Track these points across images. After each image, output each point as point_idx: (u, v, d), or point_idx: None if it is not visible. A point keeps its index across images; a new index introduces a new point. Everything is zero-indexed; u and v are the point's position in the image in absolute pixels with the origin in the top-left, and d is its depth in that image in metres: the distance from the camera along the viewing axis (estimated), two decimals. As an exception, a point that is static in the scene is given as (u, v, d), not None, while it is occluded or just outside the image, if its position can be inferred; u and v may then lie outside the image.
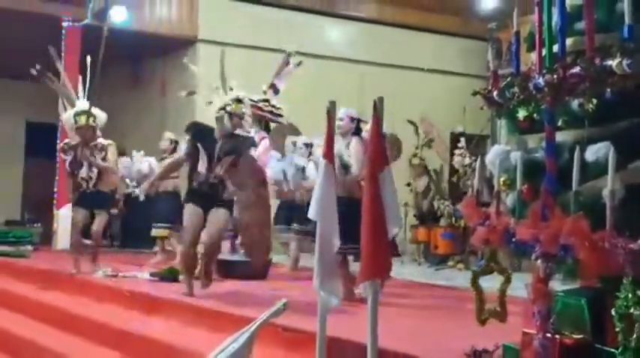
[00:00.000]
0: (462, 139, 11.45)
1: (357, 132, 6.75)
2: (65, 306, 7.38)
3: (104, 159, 8.33)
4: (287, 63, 8.96)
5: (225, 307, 6.09)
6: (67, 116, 8.69)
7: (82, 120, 8.39)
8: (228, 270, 8.29)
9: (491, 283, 4.01)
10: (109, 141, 8.54)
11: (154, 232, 10.17)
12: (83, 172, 8.28)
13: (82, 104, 8.69)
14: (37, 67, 9.47)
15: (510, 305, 3.80)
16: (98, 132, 8.58)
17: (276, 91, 8.75)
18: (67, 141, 8.64)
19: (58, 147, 9.11)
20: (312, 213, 4.08)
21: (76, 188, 8.44)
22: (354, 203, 6.14)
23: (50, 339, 6.62)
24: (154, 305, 6.71)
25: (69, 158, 8.36)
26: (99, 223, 8.51)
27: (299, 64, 9.05)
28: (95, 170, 8.29)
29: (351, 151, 6.66)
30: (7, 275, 9.56)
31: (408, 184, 11.39)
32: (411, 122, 11.73)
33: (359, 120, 6.79)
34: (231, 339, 4.76)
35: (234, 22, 12.65)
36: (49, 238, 12.03)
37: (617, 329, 3.14)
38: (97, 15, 11.88)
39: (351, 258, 6.40)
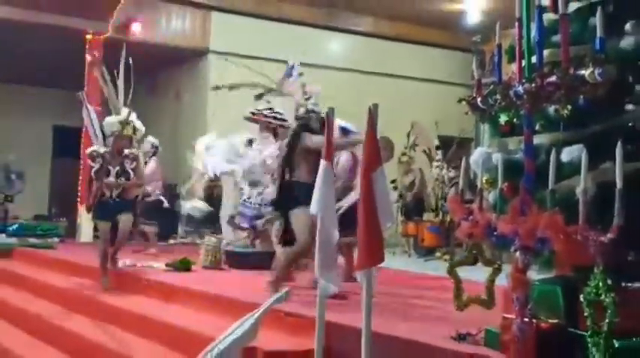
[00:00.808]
0: (439, 152, 11.51)
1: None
2: (89, 293, 7.39)
3: (135, 169, 7.65)
4: (290, 74, 8.94)
5: (233, 294, 6.09)
6: (111, 121, 8.10)
7: (128, 130, 7.90)
8: (237, 261, 8.29)
9: (473, 273, 4.03)
10: (139, 151, 8.09)
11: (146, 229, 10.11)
12: (110, 181, 7.52)
13: (128, 114, 8.18)
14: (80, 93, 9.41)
15: (479, 292, 3.82)
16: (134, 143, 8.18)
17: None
18: (95, 148, 7.93)
19: (86, 152, 8.10)
20: (313, 208, 4.08)
21: (98, 196, 7.58)
22: None
23: (73, 323, 6.63)
24: (171, 293, 6.72)
25: (97, 165, 7.61)
26: (125, 222, 7.67)
27: (301, 74, 9.02)
28: (123, 179, 7.57)
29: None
30: (36, 265, 9.58)
31: (393, 181, 11.35)
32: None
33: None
34: (238, 324, 4.75)
35: (243, 35, 12.64)
36: (73, 231, 12.04)
37: (586, 315, 3.15)
38: (118, 29, 11.90)
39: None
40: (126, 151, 7.67)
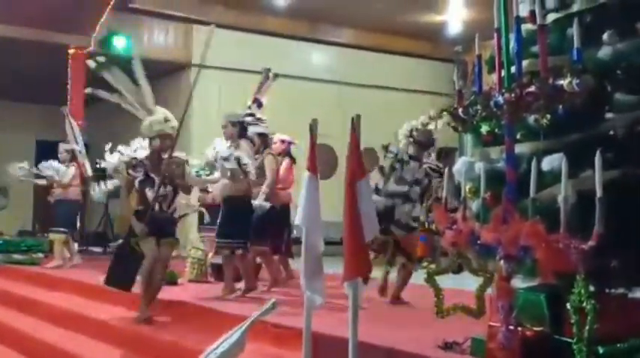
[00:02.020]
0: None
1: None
2: (70, 307, 7.34)
3: (182, 176, 6.40)
4: (267, 78, 8.97)
5: (220, 306, 6.07)
6: (156, 119, 6.63)
7: (171, 124, 6.60)
8: (222, 273, 8.24)
9: (462, 282, 4.05)
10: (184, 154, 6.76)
11: (52, 236, 10.17)
12: (160, 191, 6.22)
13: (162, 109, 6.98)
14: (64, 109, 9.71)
15: (474, 301, 3.83)
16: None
17: (259, 105, 8.75)
18: (130, 153, 6.55)
19: (117, 161, 6.50)
20: (298, 220, 4.10)
21: (144, 211, 6.25)
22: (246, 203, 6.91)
23: (60, 338, 6.58)
24: (158, 306, 6.68)
25: (140, 175, 6.30)
26: (167, 256, 6.38)
27: (275, 77, 9.05)
28: (170, 187, 6.31)
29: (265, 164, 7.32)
30: (20, 280, 9.51)
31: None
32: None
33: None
34: (225, 336, 4.75)
35: (225, 48, 12.65)
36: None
37: (572, 321, 3.17)
38: (100, 43, 11.89)
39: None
40: (164, 155, 6.36)
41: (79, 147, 10.05)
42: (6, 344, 7.18)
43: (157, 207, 6.23)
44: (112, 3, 11.26)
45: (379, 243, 6.11)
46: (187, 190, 6.78)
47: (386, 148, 7.02)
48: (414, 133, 6.81)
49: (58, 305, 7.65)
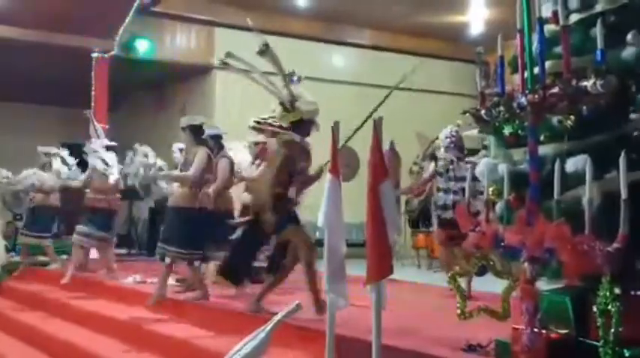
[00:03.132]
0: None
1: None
2: (97, 309, 7.40)
3: None
4: (290, 81, 8.97)
5: (243, 308, 6.09)
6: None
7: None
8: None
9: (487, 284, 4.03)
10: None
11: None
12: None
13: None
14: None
15: (497, 303, 3.82)
16: None
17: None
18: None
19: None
20: (320, 223, 4.09)
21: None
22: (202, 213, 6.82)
23: (87, 340, 6.63)
24: (180, 309, 6.74)
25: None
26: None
27: (299, 79, 9.04)
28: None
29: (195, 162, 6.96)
30: (45, 282, 9.60)
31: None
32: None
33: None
34: (248, 338, 4.76)
35: (247, 50, 12.66)
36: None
37: (598, 324, 3.15)
38: (123, 46, 11.98)
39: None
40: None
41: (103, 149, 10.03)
42: (36, 347, 7.24)
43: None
44: (134, 7, 11.34)
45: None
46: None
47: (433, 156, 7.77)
48: (454, 138, 7.36)
49: (85, 307, 7.71)
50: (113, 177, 8.82)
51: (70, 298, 8.20)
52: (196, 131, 7.16)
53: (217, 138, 7.78)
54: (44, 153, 10.12)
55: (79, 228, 8.90)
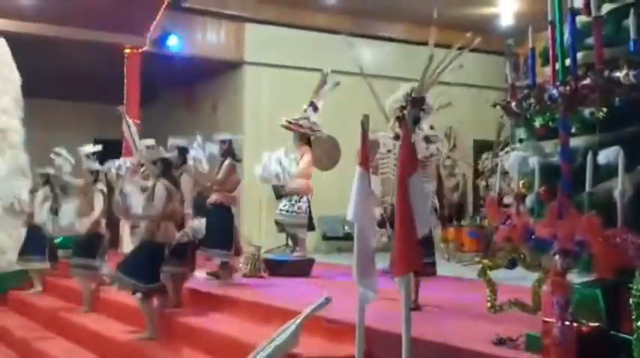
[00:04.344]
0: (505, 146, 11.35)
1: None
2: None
3: None
4: (324, 82, 8.98)
5: (275, 301, 6.12)
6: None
7: None
8: (276, 268, 8.34)
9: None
10: None
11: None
12: None
13: None
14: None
15: (525, 295, 3.79)
16: None
17: (315, 109, 8.79)
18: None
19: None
20: (350, 216, 4.09)
21: None
22: None
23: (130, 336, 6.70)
24: (215, 302, 6.78)
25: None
26: None
27: (337, 84, 9.06)
28: None
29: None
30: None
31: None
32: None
33: None
34: (280, 330, 4.79)
35: (277, 46, 12.72)
36: (116, 242, 12.15)
37: (633, 317, 3.12)
38: (154, 42, 12.08)
39: None
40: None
41: (136, 144, 9.99)
42: (83, 344, 7.29)
43: None
44: (165, 3, 11.42)
45: None
46: None
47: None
48: None
49: (128, 303, 7.30)
50: None
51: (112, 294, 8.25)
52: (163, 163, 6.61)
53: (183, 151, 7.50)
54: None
55: None
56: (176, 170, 7.05)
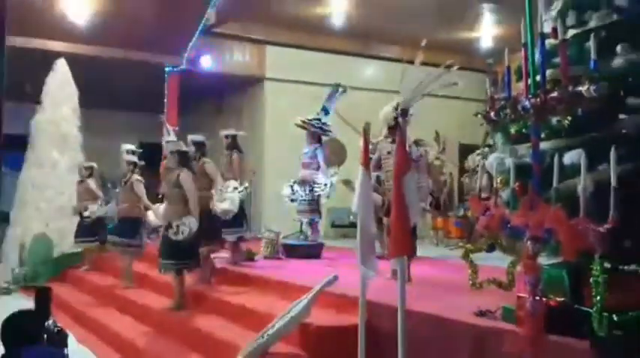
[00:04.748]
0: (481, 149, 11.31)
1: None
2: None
3: None
4: (335, 91, 9.00)
5: (291, 279, 6.13)
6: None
7: None
8: (292, 251, 8.35)
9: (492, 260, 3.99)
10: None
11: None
12: None
13: None
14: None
15: (501, 274, 3.78)
16: None
17: (326, 112, 8.81)
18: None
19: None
20: (354, 207, 4.10)
21: None
22: None
23: (152, 302, 6.72)
24: (241, 279, 6.79)
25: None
26: None
27: (344, 91, 9.07)
28: None
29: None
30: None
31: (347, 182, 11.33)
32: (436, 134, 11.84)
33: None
34: (295, 303, 4.81)
35: (293, 64, 12.73)
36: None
37: (593, 294, 3.11)
38: (190, 61, 12.11)
39: None
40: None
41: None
42: (124, 312, 7.29)
43: None
44: (200, 28, 11.44)
45: None
46: None
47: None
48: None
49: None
50: None
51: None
52: (181, 155, 6.50)
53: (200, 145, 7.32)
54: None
55: None
56: (196, 162, 6.97)
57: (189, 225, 6.07)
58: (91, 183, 9.63)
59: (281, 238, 8.57)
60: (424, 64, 6.56)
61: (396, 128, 5.61)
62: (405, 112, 5.75)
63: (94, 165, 9.89)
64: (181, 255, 6.17)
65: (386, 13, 11.61)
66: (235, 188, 7.24)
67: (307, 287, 5.04)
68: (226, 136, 7.83)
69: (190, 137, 7.42)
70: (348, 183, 7.84)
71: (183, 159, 6.44)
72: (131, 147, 8.87)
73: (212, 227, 6.75)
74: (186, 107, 13.21)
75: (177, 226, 6.06)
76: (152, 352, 5.78)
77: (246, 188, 7.48)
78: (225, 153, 7.74)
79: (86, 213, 9.41)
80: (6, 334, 3.04)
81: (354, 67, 13.36)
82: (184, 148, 6.64)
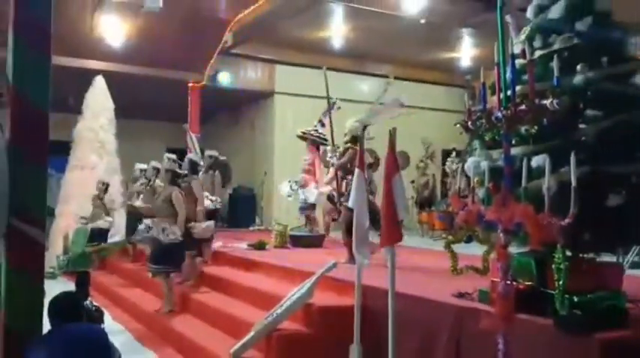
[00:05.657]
0: (454, 153, 11.37)
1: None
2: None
3: None
4: (331, 107, 9.01)
5: (295, 265, 6.14)
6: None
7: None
8: (298, 241, 8.36)
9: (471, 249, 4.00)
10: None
11: None
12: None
13: None
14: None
15: (478, 261, 3.78)
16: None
17: (322, 124, 8.86)
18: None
19: None
20: (351, 203, 4.11)
21: None
22: None
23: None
24: (252, 265, 6.81)
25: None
26: None
27: (339, 108, 9.08)
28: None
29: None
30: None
31: (412, 181, 11.44)
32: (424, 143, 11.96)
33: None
34: (298, 287, 4.82)
35: (299, 81, 12.75)
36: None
37: (555, 278, 3.13)
38: (210, 78, 12.13)
39: None
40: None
41: (197, 151, 9.81)
42: (151, 292, 7.35)
43: None
44: (218, 49, 11.47)
45: None
46: None
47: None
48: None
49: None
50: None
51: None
52: (172, 174, 6.53)
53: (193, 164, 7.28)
54: (140, 169, 9.45)
55: None
56: (185, 178, 6.83)
57: (176, 232, 6.16)
58: (105, 198, 8.96)
59: (289, 230, 8.58)
60: (414, 80, 6.61)
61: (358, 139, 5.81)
62: (365, 127, 6.05)
63: (108, 182, 9.15)
64: (169, 260, 6.16)
65: (379, 37, 11.63)
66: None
67: (310, 272, 5.06)
68: (210, 156, 7.84)
69: (207, 152, 7.53)
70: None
71: (175, 178, 6.48)
72: (172, 155, 7.37)
73: (192, 240, 6.62)
74: (207, 117, 13.24)
75: (164, 229, 6.13)
76: (176, 327, 5.80)
77: (220, 202, 7.72)
78: (210, 173, 7.76)
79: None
80: (51, 312, 3.07)
81: (351, 82, 13.36)
82: (177, 169, 6.63)
